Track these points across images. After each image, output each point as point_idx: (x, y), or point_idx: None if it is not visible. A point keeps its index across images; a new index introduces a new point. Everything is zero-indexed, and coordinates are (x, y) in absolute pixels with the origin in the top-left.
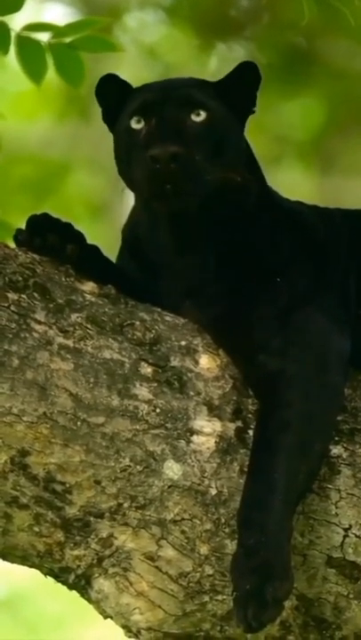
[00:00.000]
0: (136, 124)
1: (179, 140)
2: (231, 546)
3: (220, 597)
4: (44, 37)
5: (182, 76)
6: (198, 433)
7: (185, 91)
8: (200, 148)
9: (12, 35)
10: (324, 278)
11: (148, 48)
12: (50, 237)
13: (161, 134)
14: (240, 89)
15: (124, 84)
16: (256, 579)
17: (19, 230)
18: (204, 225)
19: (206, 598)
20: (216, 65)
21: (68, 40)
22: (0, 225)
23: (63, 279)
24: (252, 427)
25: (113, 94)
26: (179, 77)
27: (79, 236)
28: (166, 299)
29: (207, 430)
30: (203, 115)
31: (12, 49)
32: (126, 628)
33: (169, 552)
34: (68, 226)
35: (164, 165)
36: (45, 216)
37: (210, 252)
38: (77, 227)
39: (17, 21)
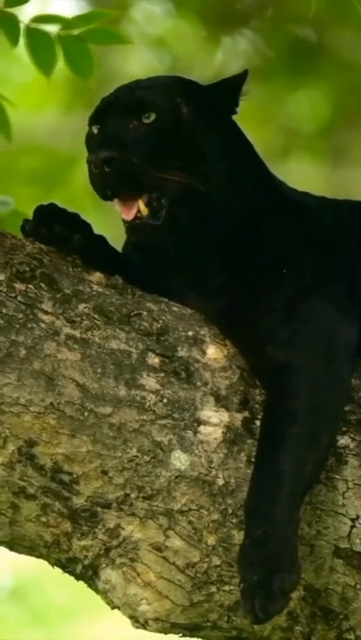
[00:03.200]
0: (95, 130)
1: (114, 144)
2: (238, 536)
3: (227, 588)
4: (52, 29)
5: (152, 77)
6: (205, 423)
7: (135, 94)
8: (143, 149)
9: (22, 26)
10: (331, 268)
11: (155, 40)
12: (56, 228)
13: (99, 140)
14: (222, 91)
15: None
16: (263, 570)
17: (26, 220)
18: (206, 218)
19: (213, 589)
20: (223, 56)
21: (76, 32)
22: (14, 215)
23: (70, 269)
24: (259, 417)
25: None
26: (147, 78)
27: (86, 227)
28: (172, 291)
29: (214, 421)
30: (152, 116)
31: (22, 40)
32: (134, 619)
33: (176, 542)
34: (75, 216)
35: (100, 170)
36: (52, 206)
37: (213, 243)
38: (85, 217)
39: (25, 13)
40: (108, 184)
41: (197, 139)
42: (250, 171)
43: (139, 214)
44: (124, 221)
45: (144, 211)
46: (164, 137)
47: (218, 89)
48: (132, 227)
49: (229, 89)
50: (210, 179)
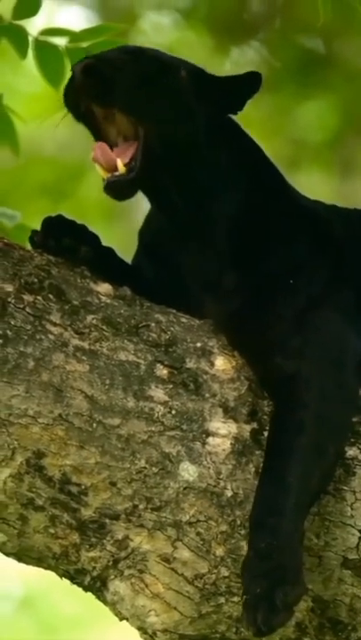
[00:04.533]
0: None
1: (100, 58)
2: (247, 547)
3: (235, 599)
4: (61, 42)
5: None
6: (214, 435)
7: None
8: (127, 73)
9: (30, 39)
10: (342, 278)
11: (163, 50)
12: (64, 239)
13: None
14: (230, 86)
15: None
16: (267, 582)
17: (34, 232)
18: (216, 219)
19: (222, 600)
20: (231, 67)
21: (85, 45)
22: (18, 227)
23: (79, 281)
24: (267, 428)
25: None
26: None
27: (94, 238)
28: (188, 296)
29: (223, 432)
30: (144, 54)
31: (30, 53)
32: (142, 630)
33: (185, 554)
34: (83, 228)
35: (78, 79)
36: (60, 218)
37: (219, 239)
38: (92, 229)
39: (34, 25)
40: (81, 87)
41: (185, 101)
42: (253, 169)
43: (116, 172)
44: (104, 182)
45: (121, 169)
46: (151, 76)
47: (226, 83)
48: (109, 185)
49: (236, 87)
50: (192, 148)
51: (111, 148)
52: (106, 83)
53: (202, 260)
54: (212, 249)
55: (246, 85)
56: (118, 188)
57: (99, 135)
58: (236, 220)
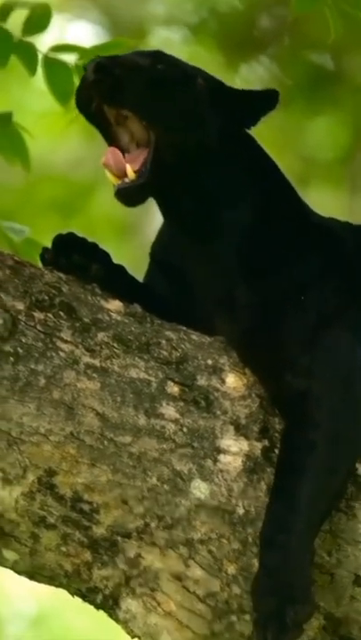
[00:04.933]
0: None
1: (115, 60)
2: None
3: (247, 617)
4: (70, 59)
5: None
6: (225, 452)
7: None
8: (139, 76)
9: (40, 56)
10: (354, 295)
11: None
12: (75, 257)
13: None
14: (248, 101)
15: None
16: (276, 601)
17: (45, 249)
18: (225, 231)
19: (234, 618)
20: (241, 83)
21: None
22: (28, 244)
23: (89, 298)
24: (278, 446)
25: None
26: None
27: (104, 256)
28: (200, 313)
29: (234, 449)
30: (164, 66)
31: (40, 69)
32: None
33: (196, 572)
34: (94, 245)
35: (89, 78)
36: (71, 235)
37: (234, 261)
38: (103, 246)
39: (43, 41)
40: (92, 85)
41: (199, 109)
42: (266, 183)
43: (126, 179)
44: (114, 189)
45: (131, 175)
46: (165, 80)
47: (243, 97)
48: (119, 191)
49: (252, 103)
50: (203, 157)
51: (123, 154)
52: (117, 81)
53: (212, 275)
54: (222, 263)
55: (263, 101)
56: (128, 195)
57: (111, 140)
58: (246, 233)
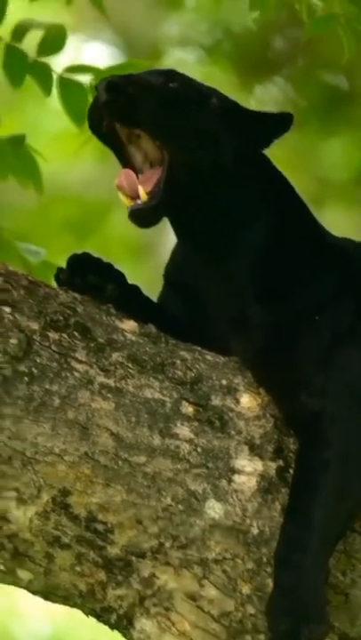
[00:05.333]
0: None
1: (128, 79)
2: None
3: (262, 637)
4: (85, 79)
5: None
6: (240, 472)
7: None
8: (153, 96)
9: (55, 76)
10: None
11: None
12: (90, 277)
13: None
14: (263, 123)
15: None
16: (291, 620)
17: (60, 269)
18: (239, 251)
19: (248, 638)
20: (255, 104)
21: None
22: (43, 265)
23: (104, 318)
24: (293, 466)
25: None
26: None
27: (119, 277)
28: (214, 333)
29: (248, 469)
30: (176, 81)
31: (55, 90)
32: None
33: (211, 591)
34: (109, 266)
35: (101, 97)
36: (86, 256)
37: (247, 280)
38: (118, 267)
39: (58, 61)
40: (103, 104)
41: (213, 129)
42: (281, 203)
43: (139, 200)
44: (128, 210)
45: (143, 197)
46: (178, 98)
47: (260, 118)
48: (132, 213)
49: (271, 125)
50: (217, 177)
51: (137, 174)
52: (129, 100)
53: (225, 294)
54: (236, 282)
55: (277, 123)
56: (141, 217)
57: (125, 161)
58: (260, 253)
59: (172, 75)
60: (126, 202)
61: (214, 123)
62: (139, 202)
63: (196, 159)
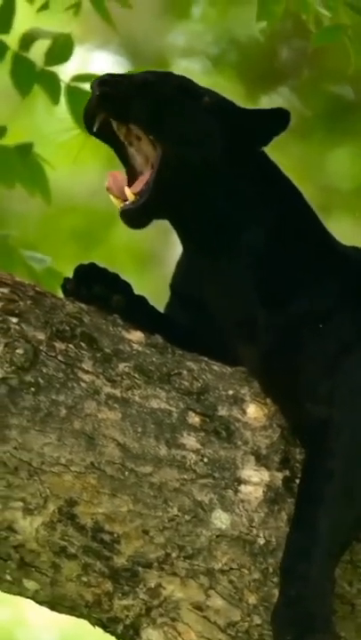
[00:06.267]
0: None
1: (120, 76)
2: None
3: None
4: None
5: None
6: (246, 482)
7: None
8: (145, 92)
9: (62, 85)
10: None
11: None
12: (96, 288)
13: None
14: (259, 120)
15: None
16: (297, 630)
17: (66, 280)
18: (240, 253)
19: None
20: None
21: None
22: (50, 273)
23: (110, 329)
24: (299, 476)
25: None
26: None
27: (126, 287)
28: (221, 344)
29: (255, 480)
30: (168, 82)
31: (62, 99)
32: None
33: (217, 602)
34: (115, 276)
35: (96, 91)
36: (92, 266)
37: (250, 284)
38: (124, 277)
39: (66, 71)
40: (97, 99)
41: (205, 126)
42: (283, 204)
43: (127, 201)
44: (119, 212)
45: (130, 197)
46: (170, 95)
47: (255, 116)
48: (122, 213)
49: (267, 122)
50: (210, 175)
51: (137, 176)
52: (121, 93)
53: (230, 298)
54: (240, 287)
55: (273, 120)
56: (129, 217)
57: (126, 163)
58: (262, 256)
59: (167, 74)
60: (117, 203)
61: (207, 120)
62: (127, 202)
63: (188, 155)
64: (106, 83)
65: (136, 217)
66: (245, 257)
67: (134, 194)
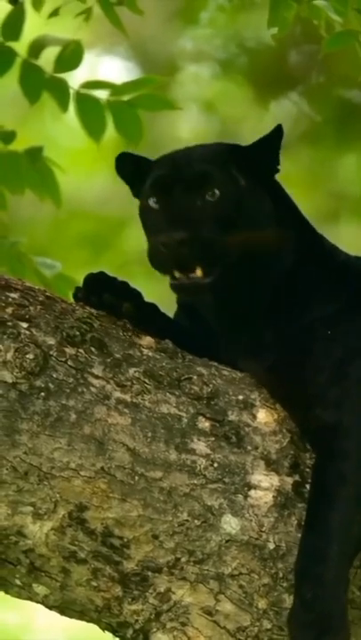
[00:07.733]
0: (154, 204)
1: (184, 225)
2: (289, 600)
3: None
4: (102, 95)
5: (201, 145)
6: (256, 487)
7: (197, 169)
8: (212, 225)
9: (72, 92)
10: None
11: (204, 102)
12: (105, 296)
13: (168, 220)
14: (264, 151)
15: (140, 160)
16: (313, 632)
17: (77, 288)
18: (256, 279)
19: None
20: (271, 120)
21: (126, 98)
22: (60, 279)
23: (121, 334)
24: (309, 481)
25: (131, 172)
26: (196, 146)
27: (135, 295)
28: (224, 353)
29: (265, 485)
30: (217, 194)
31: (72, 105)
32: None
33: (227, 606)
34: (125, 284)
35: (171, 251)
36: (101, 275)
37: (258, 300)
38: (134, 283)
39: (75, 77)
40: (181, 263)
41: (256, 206)
42: (297, 231)
43: (192, 274)
44: (173, 281)
45: (198, 272)
46: (229, 213)
47: (259, 149)
48: (182, 285)
49: (269, 148)
50: (266, 242)
51: None
52: (203, 256)
53: (235, 314)
54: (247, 302)
55: (274, 140)
56: (191, 291)
57: None
58: (283, 278)
59: (204, 181)
60: (176, 273)
61: (253, 204)
62: (192, 275)
63: (254, 242)
64: (184, 244)
65: (198, 292)
66: (268, 283)
67: (202, 269)
